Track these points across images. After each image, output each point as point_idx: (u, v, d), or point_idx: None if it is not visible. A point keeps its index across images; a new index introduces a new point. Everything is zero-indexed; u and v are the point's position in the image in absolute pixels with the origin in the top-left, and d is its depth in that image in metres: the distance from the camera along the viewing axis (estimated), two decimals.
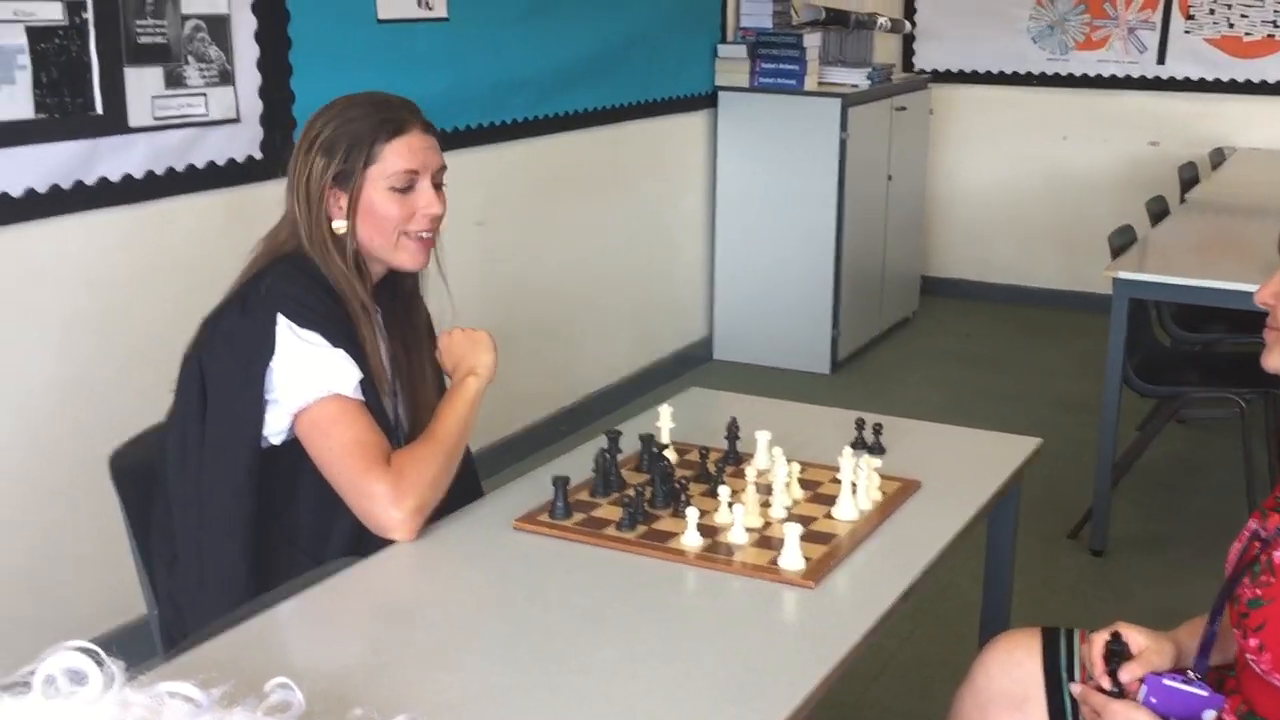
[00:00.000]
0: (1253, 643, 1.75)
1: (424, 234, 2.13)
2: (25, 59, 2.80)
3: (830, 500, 2.10)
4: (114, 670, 1.00)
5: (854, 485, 2.08)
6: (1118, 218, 4.91)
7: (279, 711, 1.07)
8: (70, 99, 2.91)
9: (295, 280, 2.05)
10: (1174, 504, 4.42)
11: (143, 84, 3.07)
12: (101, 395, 3.08)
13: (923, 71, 6.88)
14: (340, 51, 3.63)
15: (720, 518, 2.01)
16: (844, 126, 5.48)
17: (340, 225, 2.08)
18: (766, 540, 1.97)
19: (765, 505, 2.06)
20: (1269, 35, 6.38)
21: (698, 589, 1.87)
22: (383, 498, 1.96)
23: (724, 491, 2.03)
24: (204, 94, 3.23)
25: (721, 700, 1.54)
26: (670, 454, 2.27)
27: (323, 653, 1.69)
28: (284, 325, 2.00)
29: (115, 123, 3.02)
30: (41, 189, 2.89)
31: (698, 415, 2.53)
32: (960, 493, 2.19)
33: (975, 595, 2.58)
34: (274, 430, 2.02)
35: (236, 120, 3.32)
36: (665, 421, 2.36)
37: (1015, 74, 6.89)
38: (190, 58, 3.18)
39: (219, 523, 2.02)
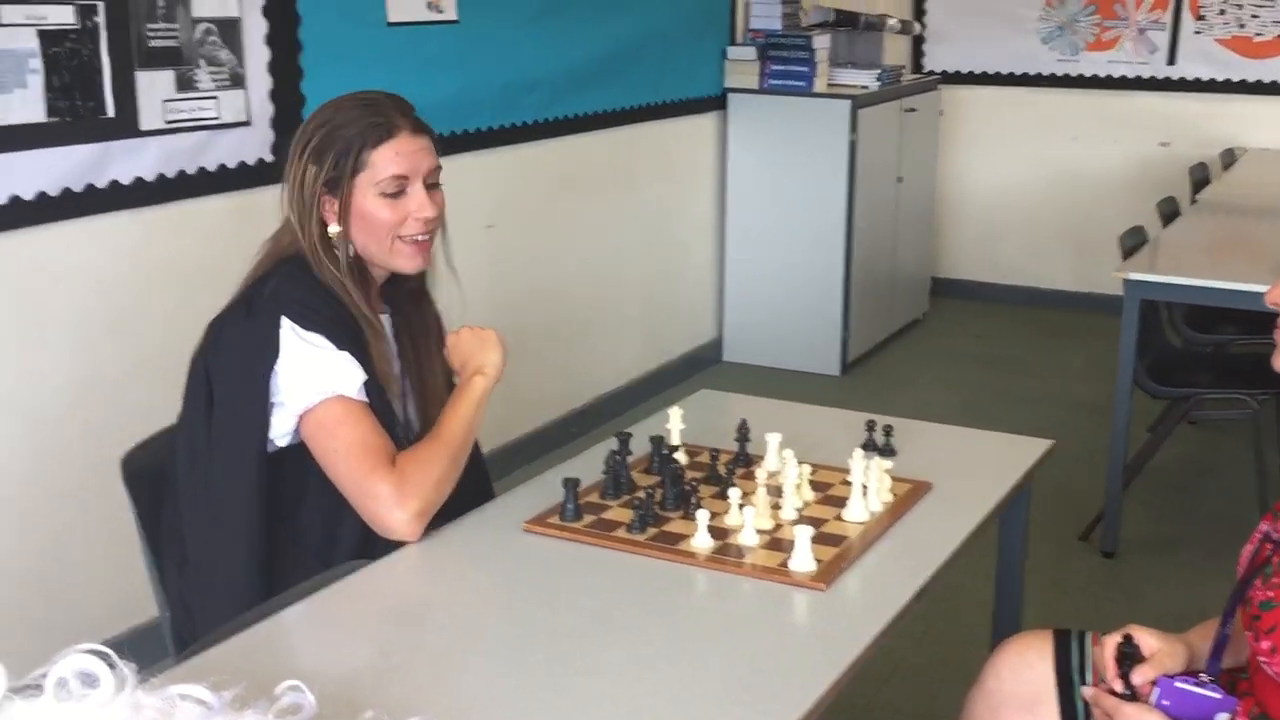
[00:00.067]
0: (1265, 645, 1.74)
1: (419, 237, 2.11)
2: (37, 62, 2.81)
3: (841, 502, 2.09)
4: (126, 673, 1.01)
5: (865, 487, 2.08)
6: (1128, 219, 4.90)
7: (290, 714, 1.07)
8: (82, 102, 2.91)
9: (299, 283, 2.06)
10: (1185, 505, 4.41)
11: (154, 87, 3.07)
12: (113, 398, 3.09)
13: (932, 73, 6.87)
14: (350, 54, 3.63)
15: (731, 520, 2.01)
16: (854, 128, 5.48)
17: (335, 230, 2.09)
18: (777, 542, 1.96)
19: (776, 507, 2.06)
20: None
21: (708, 591, 1.87)
22: (387, 499, 1.97)
23: (734, 493, 2.03)
24: (215, 97, 3.23)
25: (731, 703, 1.54)
26: (680, 456, 2.27)
27: (333, 655, 1.69)
28: (288, 328, 2.01)
29: (127, 126, 3.03)
30: (53, 192, 2.90)
31: (708, 417, 2.53)
32: (971, 494, 2.18)
33: (986, 597, 2.57)
34: (280, 433, 2.02)
35: (247, 123, 3.33)
36: (675, 423, 2.36)
37: (1025, 75, 6.88)
38: (201, 61, 3.18)
39: (227, 525, 2.02)
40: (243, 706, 1.04)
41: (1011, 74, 6.91)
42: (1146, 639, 1.83)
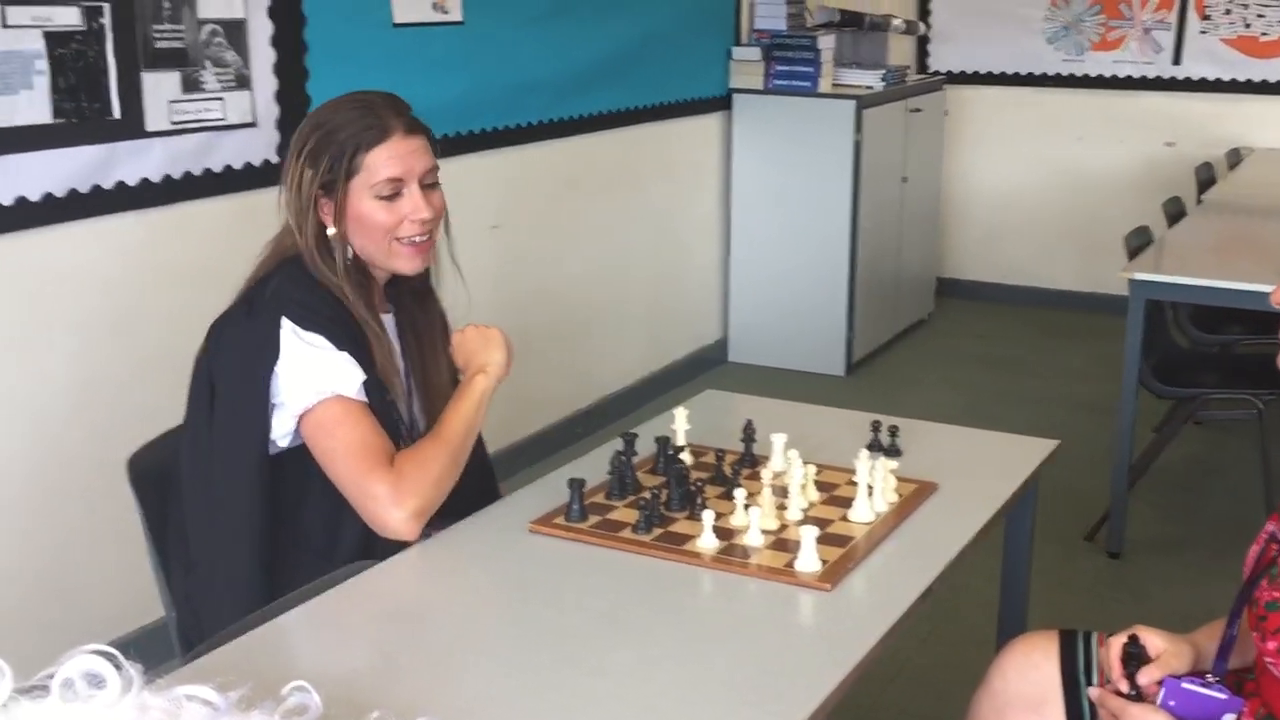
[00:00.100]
0: (1271, 645, 1.74)
1: (416, 239, 2.11)
2: (43, 64, 2.81)
3: (846, 502, 2.09)
4: (132, 674, 1.01)
5: (870, 487, 2.07)
6: (1134, 219, 4.89)
7: (296, 715, 1.07)
8: (88, 104, 2.92)
9: (300, 283, 2.06)
10: (1191, 506, 4.40)
11: (160, 88, 3.08)
12: (119, 398, 3.09)
13: (937, 73, 6.86)
14: (356, 55, 3.64)
15: (736, 520, 2.01)
16: (859, 128, 5.48)
17: (333, 232, 2.09)
18: (783, 543, 1.96)
19: (781, 508, 2.06)
20: None
21: (713, 592, 1.87)
22: (384, 498, 1.97)
23: (740, 494, 2.03)
24: (221, 98, 3.24)
25: (737, 703, 1.54)
26: (686, 456, 2.27)
27: (340, 656, 1.70)
28: (288, 328, 2.01)
29: (132, 127, 3.03)
30: (59, 193, 2.90)
31: (713, 417, 2.53)
32: (977, 495, 2.18)
33: (992, 597, 2.57)
34: (280, 433, 2.03)
35: (253, 124, 3.33)
36: (681, 424, 2.36)
37: (1030, 75, 6.87)
38: (207, 62, 3.19)
39: (228, 526, 2.03)
40: (249, 707, 1.04)
41: (1016, 74, 6.90)
42: (1152, 639, 1.83)
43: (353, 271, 2.11)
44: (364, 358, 2.06)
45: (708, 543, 1.95)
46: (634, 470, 2.17)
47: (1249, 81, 6.43)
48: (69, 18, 2.86)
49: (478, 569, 1.95)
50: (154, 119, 3.08)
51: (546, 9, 4.39)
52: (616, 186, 5.01)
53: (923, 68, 7.04)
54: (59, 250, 2.95)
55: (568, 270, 4.77)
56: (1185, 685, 1.74)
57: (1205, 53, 6.50)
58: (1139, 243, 4.23)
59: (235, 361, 2.04)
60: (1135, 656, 1.81)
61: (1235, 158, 6.20)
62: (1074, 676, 1.98)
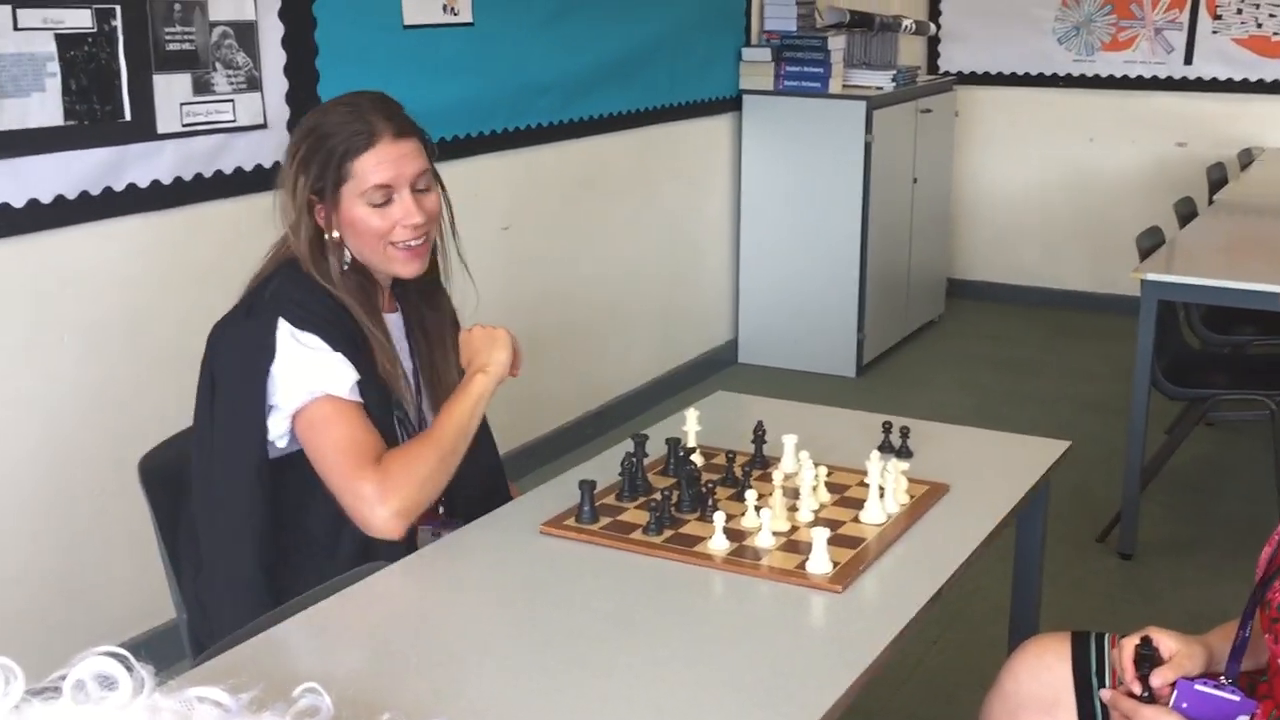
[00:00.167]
0: None
1: (411, 243, 2.10)
2: (55, 66, 2.82)
3: (858, 504, 2.09)
4: (143, 675, 1.01)
5: (881, 489, 2.07)
6: (1145, 219, 4.88)
7: (308, 716, 1.07)
8: (99, 106, 2.92)
9: (299, 284, 2.07)
10: (1203, 507, 4.39)
11: (171, 91, 3.08)
12: (130, 400, 3.10)
13: (948, 73, 6.86)
14: (366, 57, 3.64)
15: (747, 521, 2.01)
16: (869, 129, 5.47)
17: (333, 235, 2.09)
18: (794, 544, 1.96)
19: (792, 509, 2.06)
20: None
21: (725, 593, 1.87)
22: (369, 497, 1.97)
23: (751, 495, 2.02)
24: (231, 100, 3.24)
25: (748, 705, 1.54)
26: (697, 457, 2.27)
27: (351, 657, 1.70)
28: (284, 329, 2.02)
29: (144, 129, 3.04)
30: (71, 195, 2.91)
31: (724, 418, 2.52)
32: (988, 496, 2.18)
33: (1004, 599, 2.57)
34: (277, 434, 2.03)
35: (264, 126, 3.33)
36: (691, 425, 2.36)
37: (1041, 75, 6.86)
38: (218, 64, 3.19)
39: (230, 527, 2.04)
40: (260, 709, 1.04)
41: (1027, 74, 6.89)
42: (1165, 641, 1.82)
43: (352, 274, 2.12)
44: (364, 359, 2.06)
45: (719, 544, 1.94)
46: (645, 471, 2.17)
47: (1261, 81, 6.42)
48: (80, 20, 2.86)
49: (488, 570, 1.95)
50: (165, 121, 3.08)
51: (556, 10, 4.39)
52: (627, 188, 5.01)
53: (933, 68, 7.04)
54: (70, 252, 2.95)
55: (578, 271, 4.77)
56: (1198, 687, 1.73)
57: (1217, 53, 6.48)
58: (1150, 243, 4.22)
59: (234, 362, 2.05)
60: (1148, 658, 1.80)
61: (1247, 158, 6.19)
62: (1086, 678, 1.97)
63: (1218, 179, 5.84)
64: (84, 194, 2.93)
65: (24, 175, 2.80)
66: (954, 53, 7.02)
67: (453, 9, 3.96)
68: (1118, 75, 6.70)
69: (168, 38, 3.06)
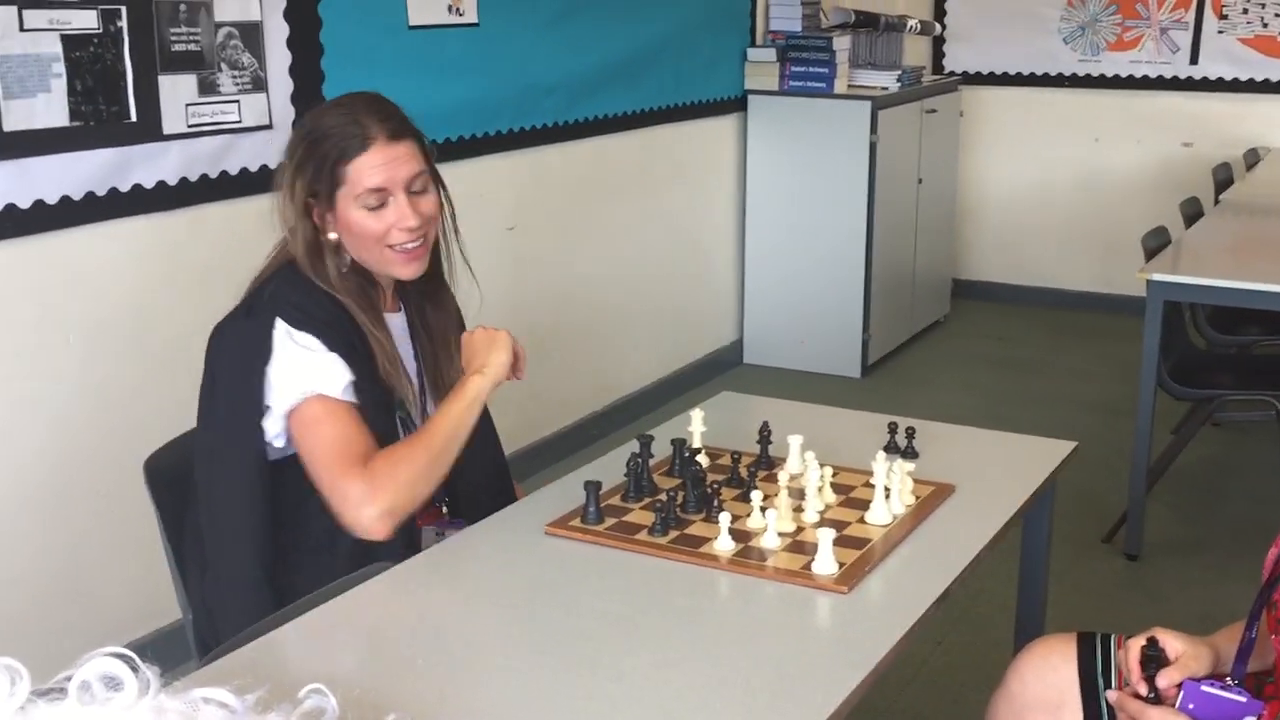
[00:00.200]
0: None
1: (408, 245, 2.10)
2: (60, 67, 2.82)
3: (863, 505, 2.09)
4: (149, 676, 1.01)
5: (887, 489, 2.07)
6: (1151, 219, 4.87)
7: (313, 717, 1.07)
8: (105, 106, 2.93)
9: (298, 285, 2.07)
10: (1209, 507, 4.38)
11: (176, 91, 3.08)
12: (135, 401, 3.10)
13: (953, 73, 6.85)
14: (372, 57, 3.64)
15: (753, 522, 2.01)
16: (874, 129, 5.47)
17: (332, 237, 2.10)
18: (799, 545, 1.96)
19: (798, 510, 2.06)
20: None
21: (730, 594, 1.87)
22: (355, 498, 1.97)
23: (756, 496, 2.02)
24: (237, 101, 3.24)
25: (754, 706, 1.54)
26: (702, 458, 2.26)
27: (356, 658, 1.70)
28: (281, 329, 2.02)
29: (149, 130, 3.04)
30: (77, 196, 2.91)
31: (729, 419, 2.52)
32: (994, 497, 2.18)
33: (1009, 600, 2.56)
34: (274, 434, 2.03)
35: (269, 127, 3.34)
36: (697, 425, 2.36)
37: (1046, 75, 6.86)
38: (223, 65, 3.19)
39: (229, 526, 2.04)
40: (265, 710, 1.04)
41: (1033, 74, 6.88)
42: (1171, 642, 1.82)
43: (352, 275, 2.12)
44: (364, 359, 2.06)
45: (724, 545, 1.94)
46: (650, 472, 2.17)
47: (1267, 81, 6.41)
48: (86, 21, 2.86)
49: (494, 571, 1.95)
50: (170, 122, 3.08)
51: (562, 11, 4.39)
52: (632, 188, 5.01)
53: (938, 68, 7.03)
54: (76, 253, 2.96)
55: (583, 271, 4.77)
56: (1204, 688, 1.73)
57: (1223, 52, 6.47)
58: (1156, 243, 4.21)
59: (232, 362, 2.05)
60: (1154, 659, 1.80)
61: (1253, 158, 6.18)
62: (1092, 679, 1.97)
63: (1224, 179, 5.84)
64: (89, 194, 2.94)
65: (30, 176, 2.80)
66: (959, 53, 7.02)
67: (458, 9, 3.96)
68: (1123, 75, 6.70)
69: (173, 38, 3.06)
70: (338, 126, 2.06)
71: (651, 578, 1.88)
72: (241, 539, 2.03)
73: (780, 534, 1.97)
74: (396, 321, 2.21)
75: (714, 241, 5.65)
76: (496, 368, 2.12)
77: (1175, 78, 6.60)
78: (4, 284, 2.83)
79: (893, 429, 2.38)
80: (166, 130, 3.08)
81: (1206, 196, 5.58)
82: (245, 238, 3.26)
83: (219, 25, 3.17)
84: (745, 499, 2.06)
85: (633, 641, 1.69)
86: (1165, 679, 1.77)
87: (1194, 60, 6.54)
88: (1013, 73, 6.92)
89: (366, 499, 1.96)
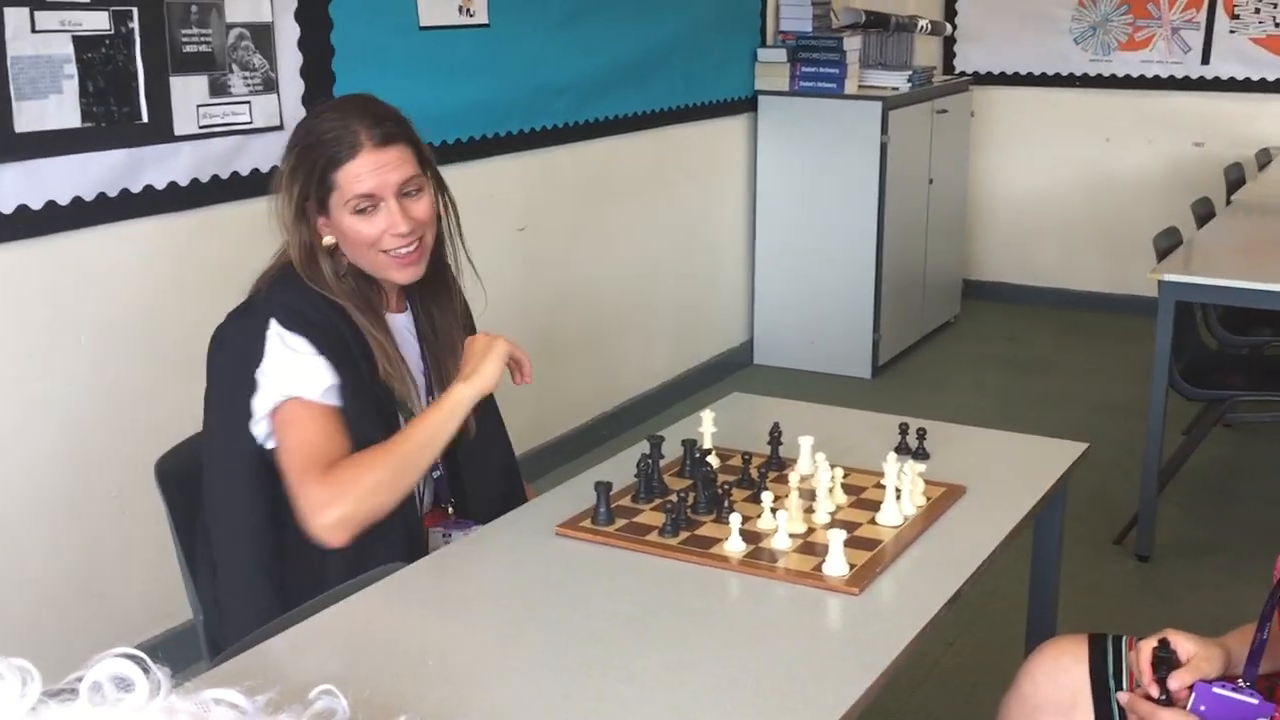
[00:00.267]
0: None
1: (402, 250, 2.09)
2: (72, 68, 2.83)
3: (874, 506, 2.08)
4: (160, 677, 1.01)
5: (898, 490, 2.06)
6: (1162, 220, 4.86)
7: (324, 719, 1.07)
8: (116, 108, 2.93)
9: (295, 287, 2.07)
10: (1221, 509, 4.37)
11: (187, 92, 3.09)
12: (146, 402, 3.11)
13: (964, 74, 6.84)
14: (382, 58, 3.64)
15: (763, 523, 2.00)
16: (885, 130, 5.46)
17: (330, 239, 2.10)
18: (810, 546, 1.96)
19: (809, 511, 2.05)
20: None
21: (741, 595, 1.87)
22: (311, 503, 1.96)
23: (767, 497, 2.02)
24: (248, 102, 3.25)
25: (765, 707, 1.53)
26: (713, 459, 2.26)
27: (367, 659, 1.70)
28: (274, 330, 2.02)
29: (160, 131, 3.05)
30: (88, 197, 2.92)
31: (740, 420, 2.52)
32: (1006, 498, 2.17)
33: (1021, 601, 2.56)
34: (262, 435, 2.04)
35: (280, 128, 3.34)
36: (707, 426, 2.35)
37: (1057, 75, 6.84)
38: (234, 66, 3.20)
39: (229, 525, 2.05)
40: (276, 711, 1.04)
41: (1044, 74, 6.87)
42: (1183, 643, 1.81)
43: (350, 277, 2.12)
44: (363, 361, 2.06)
45: (735, 546, 1.94)
46: (660, 473, 2.17)
47: (1278, 81, 6.39)
48: (98, 22, 2.87)
49: (504, 572, 1.95)
50: (182, 123, 3.09)
51: (572, 12, 4.39)
52: (642, 189, 5.01)
53: (949, 68, 7.02)
54: (87, 254, 2.96)
55: (594, 272, 4.77)
56: (1216, 690, 1.72)
57: (1234, 52, 6.45)
58: (1168, 244, 4.20)
59: (228, 362, 2.06)
60: (1165, 660, 1.80)
61: (1265, 158, 6.16)
62: (1103, 681, 1.96)
63: (1235, 179, 5.82)
64: (101, 195, 2.94)
65: (42, 177, 2.81)
66: (970, 53, 7.01)
67: (468, 10, 3.96)
68: (1134, 75, 6.68)
69: (184, 39, 3.07)
70: (329, 132, 2.06)
71: (662, 579, 1.88)
72: (242, 538, 2.03)
73: (791, 535, 1.97)
74: (402, 321, 2.20)
75: (724, 242, 5.65)
76: (483, 379, 2.08)
77: (1186, 77, 6.58)
78: (16, 285, 2.84)
79: (904, 430, 2.38)
80: (178, 131, 3.08)
81: (1218, 196, 5.56)
82: (256, 238, 3.25)
83: (230, 26, 3.18)
84: (756, 500, 2.05)
85: (643, 643, 1.69)
86: (1177, 681, 1.77)
87: (1205, 60, 6.52)
88: (1024, 73, 6.91)
89: (322, 506, 1.95)
